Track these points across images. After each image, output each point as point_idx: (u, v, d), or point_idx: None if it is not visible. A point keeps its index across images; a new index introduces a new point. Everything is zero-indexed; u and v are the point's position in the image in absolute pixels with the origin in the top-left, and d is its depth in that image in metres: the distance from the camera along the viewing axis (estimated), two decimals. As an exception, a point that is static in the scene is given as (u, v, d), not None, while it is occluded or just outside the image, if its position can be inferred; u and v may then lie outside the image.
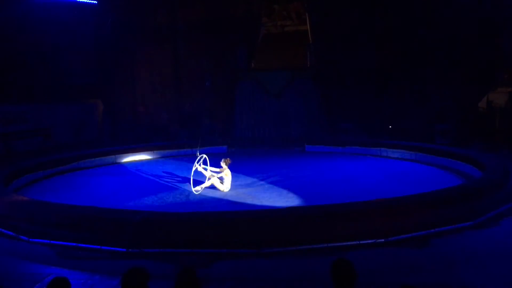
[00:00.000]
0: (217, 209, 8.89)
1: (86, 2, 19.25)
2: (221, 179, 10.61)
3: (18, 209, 7.98)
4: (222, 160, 10.71)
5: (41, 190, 11.46)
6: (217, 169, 10.76)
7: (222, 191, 10.56)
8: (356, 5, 18.88)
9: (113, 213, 7.57)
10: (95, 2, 19.47)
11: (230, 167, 10.78)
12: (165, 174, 13.42)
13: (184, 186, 11.36)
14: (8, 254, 6.95)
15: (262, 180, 12.17)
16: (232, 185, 10.72)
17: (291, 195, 10.24)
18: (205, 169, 10.74)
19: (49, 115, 18.30)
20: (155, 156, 16.92)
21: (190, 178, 10.60)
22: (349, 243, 6.73)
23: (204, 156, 10.91)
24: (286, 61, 21.30)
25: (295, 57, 21.16)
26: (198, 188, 10.53)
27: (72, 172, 14.06)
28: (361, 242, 6.76)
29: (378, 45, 18.89)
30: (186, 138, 19.33)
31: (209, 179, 10.60)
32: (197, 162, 10.70)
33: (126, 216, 7.21)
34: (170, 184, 11.83)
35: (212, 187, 10.66)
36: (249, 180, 12.11)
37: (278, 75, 20.35)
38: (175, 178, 12.60)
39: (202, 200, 10.02)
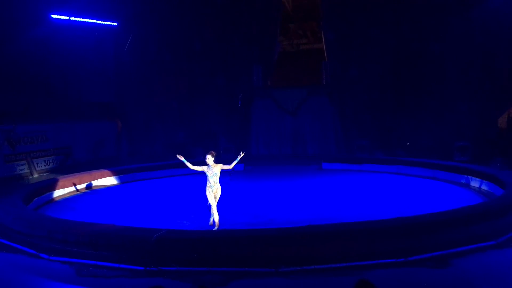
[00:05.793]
0: (234, 228, 8.88)
1: (106, 23, 19.77)
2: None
3: (38, 227, 8.09)
4: (208, 156, 9.00)
5: (61, 208, 11.62)
6: (204, 167, 8.93)
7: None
8: (371, 23, 18.96)
9: (131, 231, 7.61)
10: (115, 24, 19.99)
11: (247, 182, 10.70)
12: (182, 192, 13.48)
13: (202, 204, 11.35)
14: (28, 272, 7.04)
15: (279, 198, 12.13)
16: (249, 203, 10.67)
17: (308, 213, 10.16)
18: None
19: (69, 134, 18.67)
20: (172, 174, 17.02)
21: (206, 197, 10.53)
22: (368, 262, 6.64)
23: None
24: (302, 79, 21.45)
25: (310, 75, 21.30)
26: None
27: (91, 190, 14.25)
28: (380, 261, 6.66)
29: (394, 62, 18.88)
30: (202, 156, 19.41)
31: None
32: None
33: (144, 234, 7.23)
34: (188, 202, 11.87)
35: (225, 204, 10.62)
36: (265, 198, 12.09)
37: (294, 92, 20.47)
38: (193, 196, 12.62)
39: (219, 218, 9.98)
